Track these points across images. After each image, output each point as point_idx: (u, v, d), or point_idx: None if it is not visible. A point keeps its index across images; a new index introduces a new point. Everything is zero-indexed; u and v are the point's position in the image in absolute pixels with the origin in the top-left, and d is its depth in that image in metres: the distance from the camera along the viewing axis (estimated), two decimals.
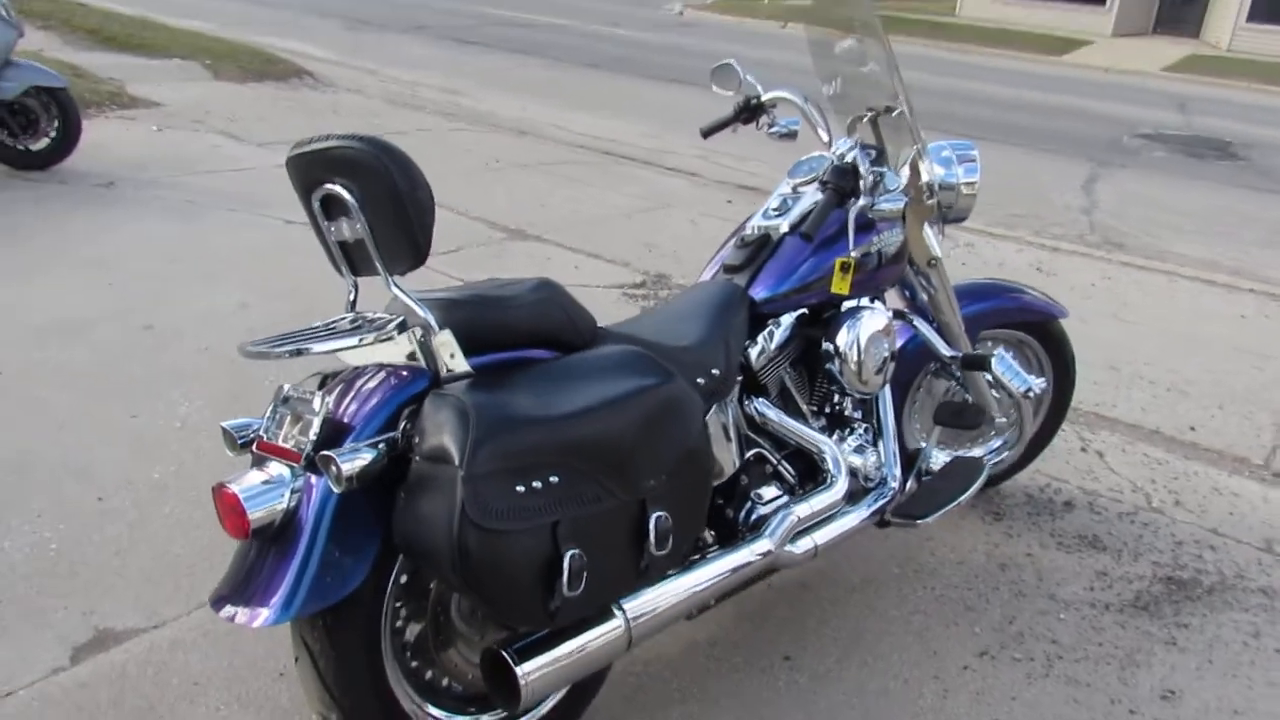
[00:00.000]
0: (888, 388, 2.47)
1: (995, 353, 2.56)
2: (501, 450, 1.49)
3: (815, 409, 2.40)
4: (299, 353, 1.57)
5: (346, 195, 1.57)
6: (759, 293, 2.24)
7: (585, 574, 1.56)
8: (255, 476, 1.58)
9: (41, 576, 2.40)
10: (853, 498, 2.35)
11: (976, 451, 2.99)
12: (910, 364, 2.67)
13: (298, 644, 1.66)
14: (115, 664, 2.14)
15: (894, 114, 2.41)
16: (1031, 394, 2.52)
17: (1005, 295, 2.85)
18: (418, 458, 1.54)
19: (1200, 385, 4.12)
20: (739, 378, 2.18)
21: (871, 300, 2.45)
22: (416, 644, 1.79)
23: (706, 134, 2.80)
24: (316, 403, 1.60)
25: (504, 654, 1.65)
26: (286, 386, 1.67)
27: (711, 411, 2.08)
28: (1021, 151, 9.02)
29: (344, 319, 1.71)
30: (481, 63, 11.58)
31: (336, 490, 1.51)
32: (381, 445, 1.57)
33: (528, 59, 12.16)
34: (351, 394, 1.67)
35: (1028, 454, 3.05)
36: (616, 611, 1.79)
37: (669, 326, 2.10)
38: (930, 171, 2.48)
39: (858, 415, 2.46)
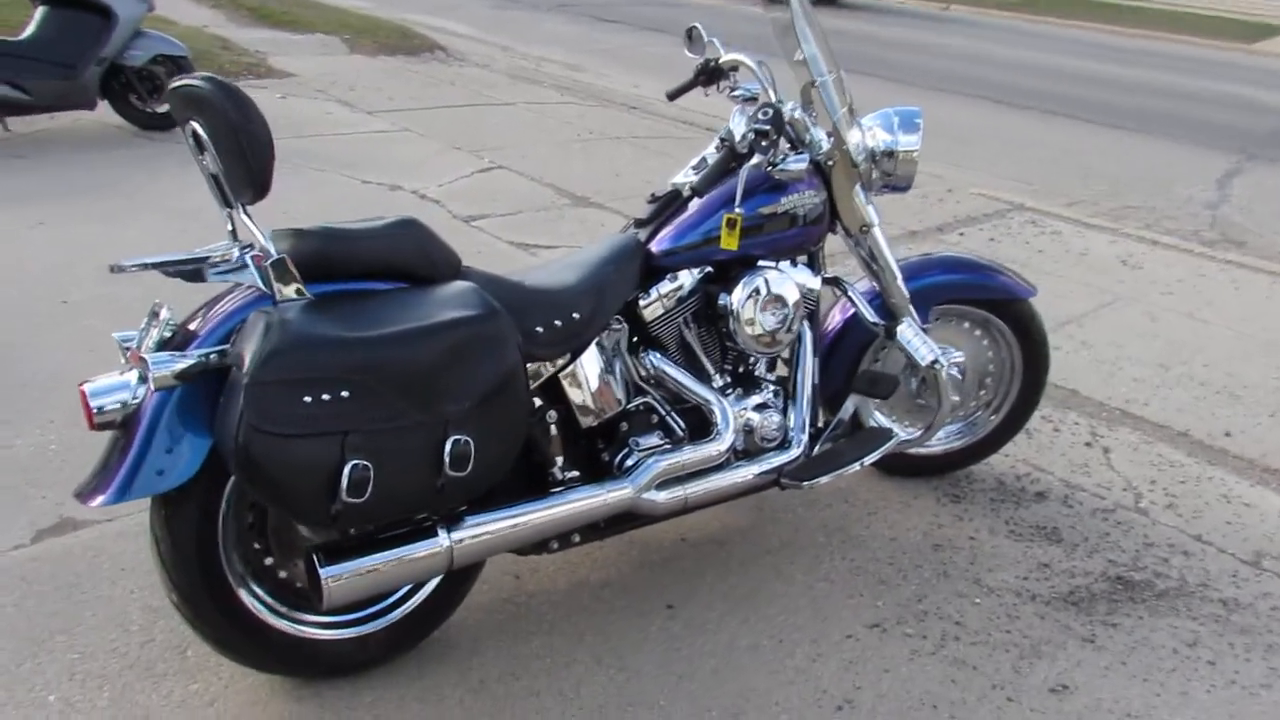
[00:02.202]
0: (808, 350, 2.48)
1: (904, 320, 2.51)
2: (289, 363, 1.63)
3: (724, 366, 2.43)
4: (145, 267, 1.77)
5: (200, 130, 1.76)
6: (659, 246, 2.29)
7: (370, 485, 1.68)
8: (108, 378, 1.78)
9: (35, 470, 2.73)
10: (747, 456, 2.38)
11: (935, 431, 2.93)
12: (861, 332, 2.65)
13: (150, 530, 1.86)
14: (65, 546, 2.43)
15: (825, 81, 2.41)
16: (939, 366, 2.46)
17: (966, 270, 2.78)
18: (233, 367, 1.71)
19: (1257, 392, 3.83)
20: (623, 326, 2.24)
21: (795, 263, 2.45)
22: (254, 537, 1.96)
23: (672, 96, 2.85)
24: (162, 314, 1.79)
25: (314, 555, 1.81)
26: (156, 302, 1.87)
27: (589, 353, 2.16)
28: (1161, 141, 8.45)
29: (218, 246, 1.90)
30: (613, 40, 11.79)
31: (153, 390, 1.69)
32: (210, 355, 1.74)
33: (659, 36, 12.27)
34: (209, 311, 1.86)
35: (992, 438, 2.96)
36: (440, 531, 1.92)
37: (547, 272, 2.19)
38: (864, 137, 2.46)
39: (769, 376, 2.47)
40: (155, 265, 1.80)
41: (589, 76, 9.46)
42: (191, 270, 1.83)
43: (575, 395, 2.16)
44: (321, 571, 1.79)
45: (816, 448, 2.51)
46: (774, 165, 2.30)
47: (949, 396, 2.54)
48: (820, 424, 2.58)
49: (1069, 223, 5.86)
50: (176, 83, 1.79)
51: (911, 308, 2.61)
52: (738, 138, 2.26)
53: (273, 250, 1.81)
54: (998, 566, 2.63)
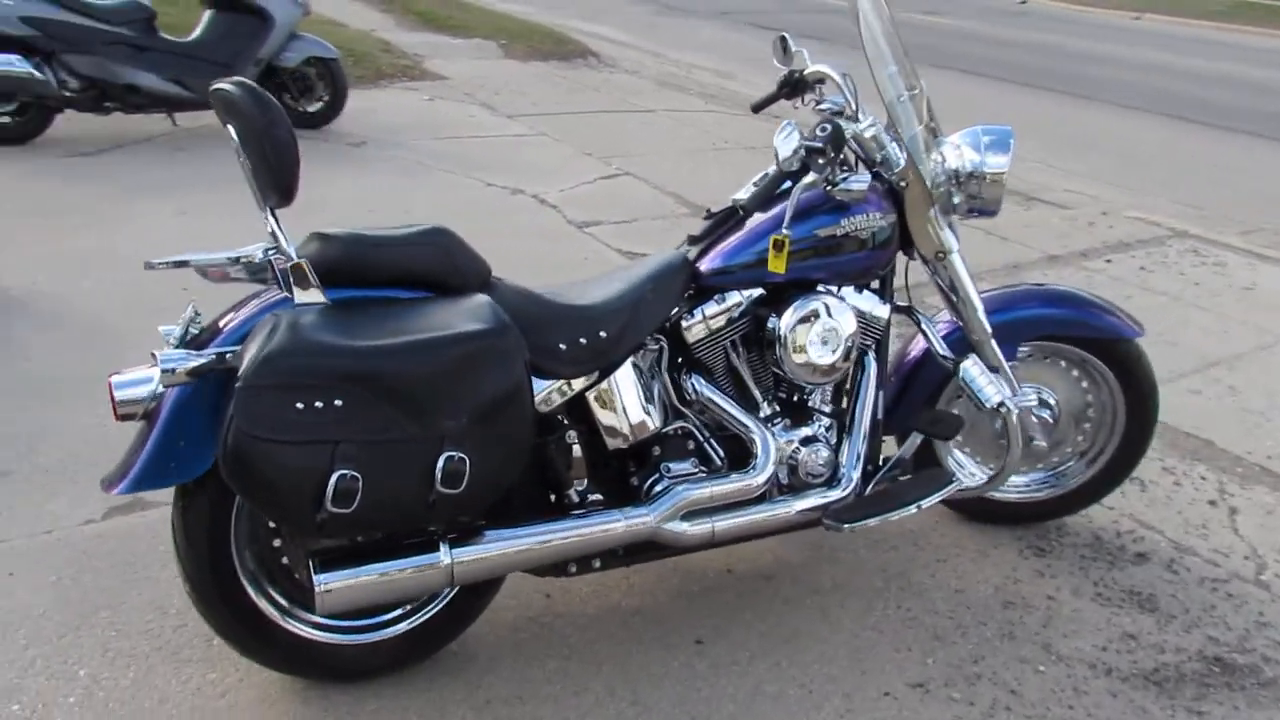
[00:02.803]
0: (870, 382, 2.33)
1: (969, 357, 2.30)
2: (284, 368, 1.63)
3: (775, 394, 2.31)
4: (178, 265, 1.82)
5: (233, 133, 1.80)
6: (708, 265, 2.19)
7: (358, 496, 1.67)
8: (135, 371, 1.84)
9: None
10: (791, 490, 2.25)
11: (1024, 476, 2.70)
12: (937, 367, 2.46)
13: (170, 520, 1.91)
14: (130, 526, 2.55)
15: (893, 101, 2.26)
16: (1006, 410, 2.24)
17: (1063, 304, 2.54)
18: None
19: None
20: (660, 347, 2.15)
21: (860, 289, 2.30)
22: (272, 535, 1.98)
23: (756, 109, 2.77)
24: (186, 312, 1.84)
25: (310, 560, 1.81)
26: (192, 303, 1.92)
27: (622, 372, 2.08)
28: None
29: (253, 247, 1.93)
30: (769, 48, 11.61)
31: (160, 386, 1.73)
32: (222, 354, 1.77)
33: (817, 45, 11.97)
34: (237, 310, 1.90)
35: (1085, 491, 2.70)
36: (442, 547, 1.89)
37: (583, 288, 2.13)
38: (948, 158, 2.29)
39: (824, 408, 2.33)
40: (187, 263, 1.84)
41: (738, 85, 9.35)
42: (220, 270, 1.86)
43: (602, 415, 2.09)
44: (316, 578, 1.79)
45: (870, 487, 2.34)
46: (833, 184, 2.16)
47: (1018, 443, 2.32)
48: (882, 462, 2.41)
49: (1238, 253, 5.35)
50: (215, 86, 1.83)
51: (994, 343, 2.41)
52: (783, 155, 2.13)
53: (293, 254, 1.82)
54: (1074, 633, 2.39)
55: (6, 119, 5.56)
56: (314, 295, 1.82)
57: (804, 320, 2.16)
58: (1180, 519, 2.89)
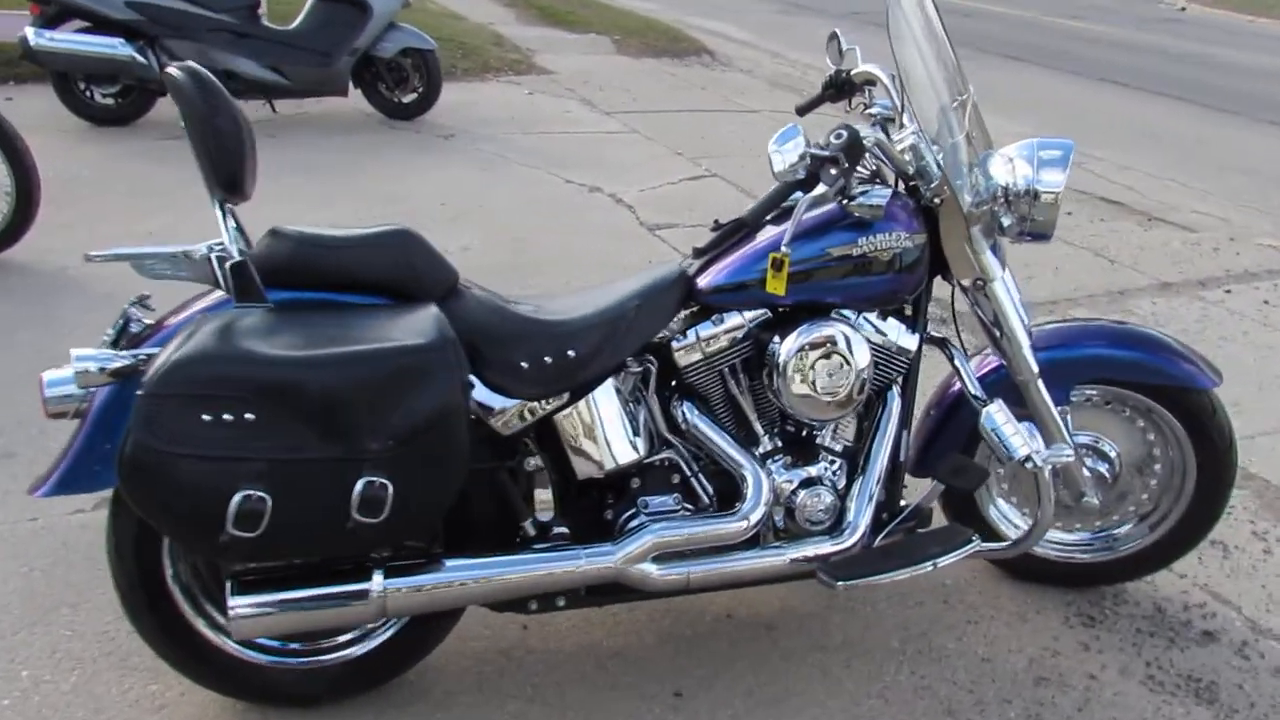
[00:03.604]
0: (892, 421, 2.08)
1: (995, 401, 2.01)
2: (190, 377, 1.51)
3: (781, 428, 2.08)
4: (118, 258, 1.73)
5: (181, 121, 1.70)
6: (707, 281, 1.98)
7: (266, 519, 1.53)
8: (68, 370, 1.74)
9: None
10: (788, 536, 2.03)
11: (1071, 534, 2.39)
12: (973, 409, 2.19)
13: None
14: None
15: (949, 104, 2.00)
16: (1032, 465, 1.95)
17: (1129, 345, 2.23)
18: None
19: None
20: (643, 368, 1.96)
21: (885, 316, 2.05)
22: None
23: (801, 111, 2.54)
24: (125, 308, 1.74)
25: (229, 581, 1.69)
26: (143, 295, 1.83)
27: (600, 395, 1.90)
28: None
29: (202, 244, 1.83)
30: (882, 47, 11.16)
31: (77, 387, 1.64)
32: (140, 355, 1.66)
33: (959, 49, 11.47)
34: (181, 310, 1.80)
35: (1144, 557, 2.36)
36: (376, 576, 1.75)
37: (563, 301, 1.96)
38: (997, 173, 2.03)
39: (835, 446, 2.09)
40: (126, 257, 1.75)
41: None
42: (157, 267, 1.76)
43: (572, 441, 1.91)
44: (230, 600, 1.67)
45: (880, 539, 2.09)
46: (849, 198, 1.92)
47: (1050, 502, 2.02)
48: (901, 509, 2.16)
49: None
50: (167, 69, 1.73)
51: (1040, 385, 2.12)
52: (779, 165, 1.90)
53: (235, 251, 1.71)
54: None
55: (110, 101, 5.76)
56: (250, 293, 1.70)
57: (807, 348, 1.92)
58: (1263, 594, 2.52)
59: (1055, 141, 2.06)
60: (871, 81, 2.30)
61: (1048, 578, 2.43)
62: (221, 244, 1.75)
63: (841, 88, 2.33)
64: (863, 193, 1.92)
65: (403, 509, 1.60)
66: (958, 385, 2.28)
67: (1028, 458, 1.93)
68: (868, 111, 2.30)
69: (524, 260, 4.31)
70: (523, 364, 1.81)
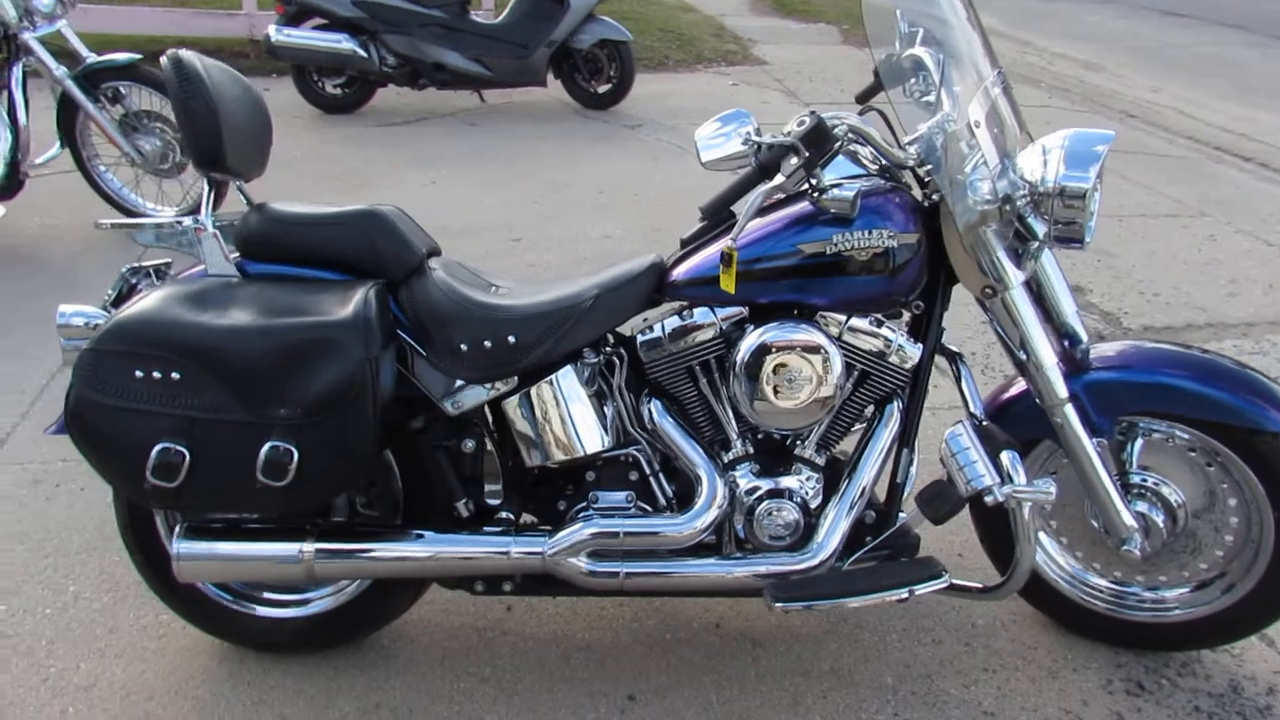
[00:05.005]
0: (885, 435, 1.91)
1: (960, 423, 1.77)
2: (129, 335, 1.66)
3: (754, 435, 1.96)
4: (118, 227, 1.92)
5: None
6: (680, 275, 1.91)
7: (184, 472, 1.65)
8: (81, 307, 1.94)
9: None
10: (752, 549, 1.92)
11: (1145, 589, 2.09)
12: (1018, 425, 1.98)
13: None
14: None
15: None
16: (991, 499, 1.70)
17: (1192, 374, 1.91)
18: None
19: None
20: (599, 359, 1.91)
21: (880, 323, 1.88)
22: None
23: (860, 100, 2.39)
24: (123, 271, 1.93)
25: (179, 526, 1.84)
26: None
27: (562, 381, 1.88)
28: None
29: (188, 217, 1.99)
30: (1165, 37, 10.05)
31: (62, 339, 1.84)
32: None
33: (1232, 34, 10.18)
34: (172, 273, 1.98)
35: (1222, 623, 2.02)
36: (304, 540, 1.83)
37: (531, 286, 1.96)
38: (1026, 167, 1.80)
39: (817, 457, 1.94)
40: (128, 225, 1.93)
41: (1102, 78, 8.22)
42: (148, 236, 1.93)
43: (519, 427, 1.91)
44: (174, 543, 1.82)
45: (850, 562, 1.92)
46: (820, 190, 1.77)
47: (1028, 540, 1.77)
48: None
49: None
50: (161, 58, 1.89)
51: (1069, 410, 1.86)
52: (708, 155, 1.79)
53: (209, 224, 1.85)
54: None
55: (338, 91, 6.33)
56: (219, 264, 1.84)
57: (767, 351, 1.80)
58: None
59: (1086, 134, 1.79)
60: (924, 65, 2.10)
61: (1104, 635, 2.14)
62: (196, 215, 1.89)
63: (893, 71, 2.15)
64: (834, 185, 1.77)
65: (307, 476, 1.67)
66: (998, 399, 2.06)
67: (987, 490, 1.70)
68: (924, 99, 2.11)
69: (662, 245, 4.30)
70: (462, 346, 1.82)
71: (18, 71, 4.22)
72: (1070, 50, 9.29)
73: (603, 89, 6.51)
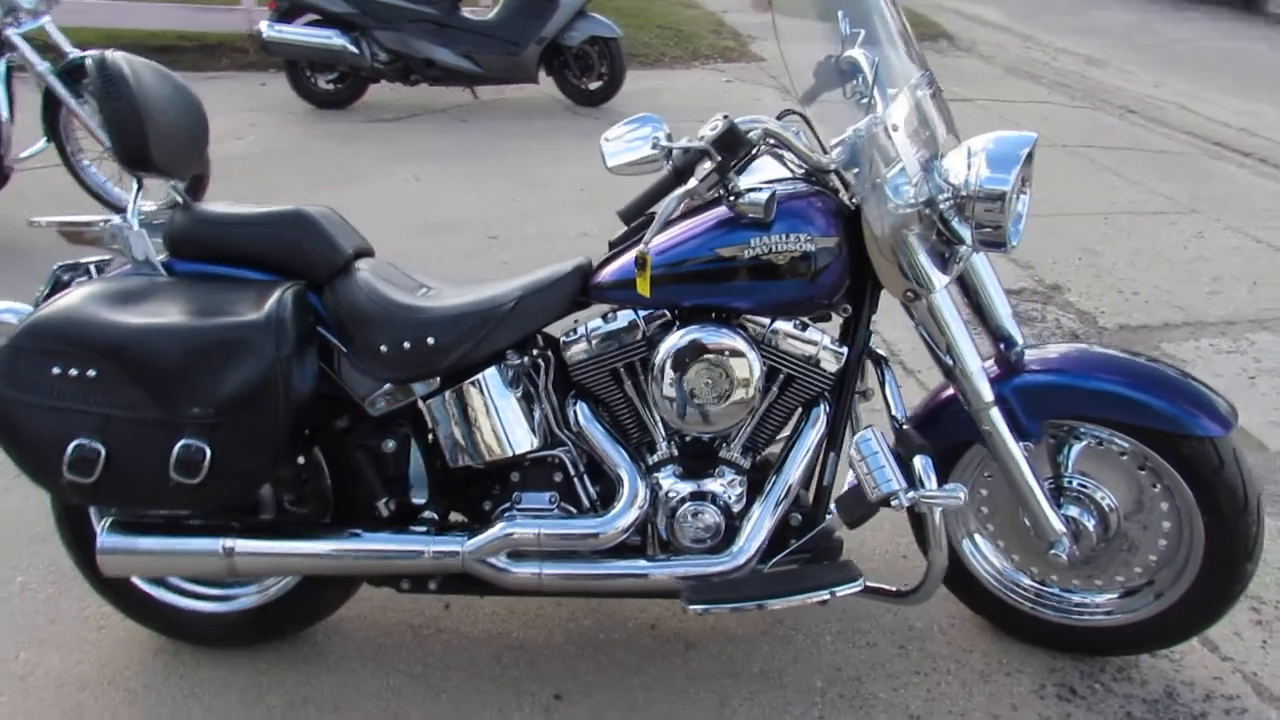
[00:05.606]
0: (810, 439, 1.91)
1: (867, 429, 1.76)
2: (46, 332, 1.68)
3: (679, 438, 1.96)
4: (51, 225, 1.94)
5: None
6: (604, 277, 1.91)
7: (100, 468, 1.67)
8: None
9: None
10: (674, 551, 1.92)
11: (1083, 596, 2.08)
12: (950, 429, 1.97)
13: None
14: None
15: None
16: (897, 503, 1.69)
17: (1124, 379, 1.89)
18: None
19: None
20: (525, 360, 1.91)
21: (804, 326, 1.88)
22: None
23: (804, 102, 2.37)
24: (51, 274, 1.95)
25: (105, 520, 1.86)
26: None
27: (486, 383, 1.89)
28: None
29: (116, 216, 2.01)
30: (1174, 31, 9.95)
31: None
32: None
33: (1243, 27, 10.07)
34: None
35: (1153, 629, 2.01)
36: (224, 537, 1.85)
37: (457, 288, 1.96)
38: (952, 168, 1.79)
39: (743, 460, 1.94)
40: (60, 224, 1.94)
41: (1105, 74, 8.15)
42: (74, 233, 1.94)
43: (441, 427, 1.91)
44: (99, 539, 1.84)
45: (770, 565, 1.91)
46: (735, 195, 1.77)
47: (938, 545, 1.76)
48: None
49: None
50: (87, 58, 1.90)
51: (995, 413, 1.86)
52: (615, 160, 1.79)
53: (135, 223, 1.86)
54: None
55: (330, 86, 6.35)
56: (147, 262, 1.85)
57: (682, 354, 1.80)
58: None
59: (1008, 137, 1.78)
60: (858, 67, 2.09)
61: (1040, 639, 2.13)
62: (124, 214, 1.91)
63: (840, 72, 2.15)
64: (750, 190, 1.76)
65: (220, 474, 1.68)
66: (932, 402, 2.06)
67: (894, 494, 1.69)
68: (863, 101, 2.10)
69: None
70: (382, 347, 1.83)
71: (1, 66, 4.26)
72: (1074, 45, 9.21)
73: (593, 86, 6.50)
